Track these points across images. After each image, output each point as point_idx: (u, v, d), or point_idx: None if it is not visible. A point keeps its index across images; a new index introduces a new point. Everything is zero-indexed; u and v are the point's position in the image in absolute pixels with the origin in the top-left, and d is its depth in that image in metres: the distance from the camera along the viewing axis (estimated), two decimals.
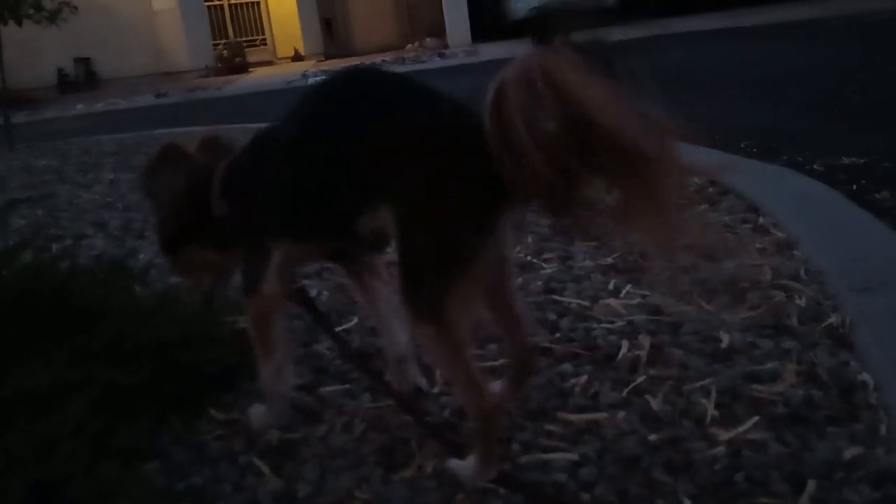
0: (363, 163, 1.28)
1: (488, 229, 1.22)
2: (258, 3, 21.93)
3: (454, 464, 1.39)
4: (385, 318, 1.66)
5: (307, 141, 1.37)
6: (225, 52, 19.13)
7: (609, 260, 2.32)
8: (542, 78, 1.05)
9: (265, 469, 1.46)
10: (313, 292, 2.33)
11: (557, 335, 1.87)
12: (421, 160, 1.22)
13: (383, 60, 13.94)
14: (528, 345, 1.47)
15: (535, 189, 1.11)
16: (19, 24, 7.07)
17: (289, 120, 1.43)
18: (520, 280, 2.24)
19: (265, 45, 21.84)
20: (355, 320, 2.09)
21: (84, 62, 19.20)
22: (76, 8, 7.47)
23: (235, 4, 21.73)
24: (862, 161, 3.31)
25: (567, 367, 1.70)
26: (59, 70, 18.84)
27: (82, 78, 19.15)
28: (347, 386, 1.74)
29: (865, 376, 1.53)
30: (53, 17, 7.21)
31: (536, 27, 1.13)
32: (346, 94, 1.37)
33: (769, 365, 1.61)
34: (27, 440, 1.22)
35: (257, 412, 1.63)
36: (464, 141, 1.18)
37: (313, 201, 1.38)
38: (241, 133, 1.75)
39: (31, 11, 7.10)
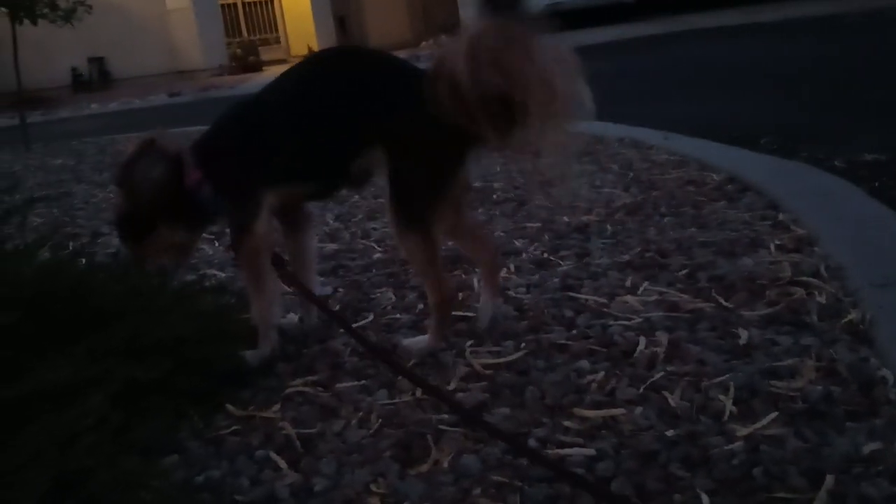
0: (363, 114, 1.68)
1: (460, 161, 1.66)
2: (272, 2, 22.01)
3: (408, 341, 1.85)
4: (308, 264, 2.03)
5: (313, 100, 1.73)
6: (238, 50, 19.21)
7: (626, 257, 2.32)
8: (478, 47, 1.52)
9: (282, 464, 1.47)
10: (328, 289, 2.34)
11: (574, 332, 1.86)
12: (412, 109, 1.61)
13: None
14: (492, 249, 1.96)
15: (470, 124, 1.55)
16: (35, 23, 7.11)
17: (285, 86, 1.80)
18: (536, 277, 2.24)
19: (279, 43, 21.91)
20: (371, 317, 2.10)
21: (98, 62, 19.32)
22: (91, 7, 7.50)
23: (249, 3, 21.81)
24: (884, 157, 3.28)
25: (584, 363, 1.70)
26: (73, 70, 18.97)
27: (96, 77, 19.28)
28: (363, 382, 1.74)
29: (885, 372, 1.52)
30: (68, 17, 7.24)
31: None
32: (343, 60, 1.80)
33: (788, 361, 1.60)
34: (50, 434, 1.23)
35: (251, 352, 1.85)
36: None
37: (322, 148, 1.74)
38: None
39: (47, 11, 7.14)
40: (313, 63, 1.88)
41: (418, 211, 1.67)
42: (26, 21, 7.06)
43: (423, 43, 17.90)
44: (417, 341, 1.86)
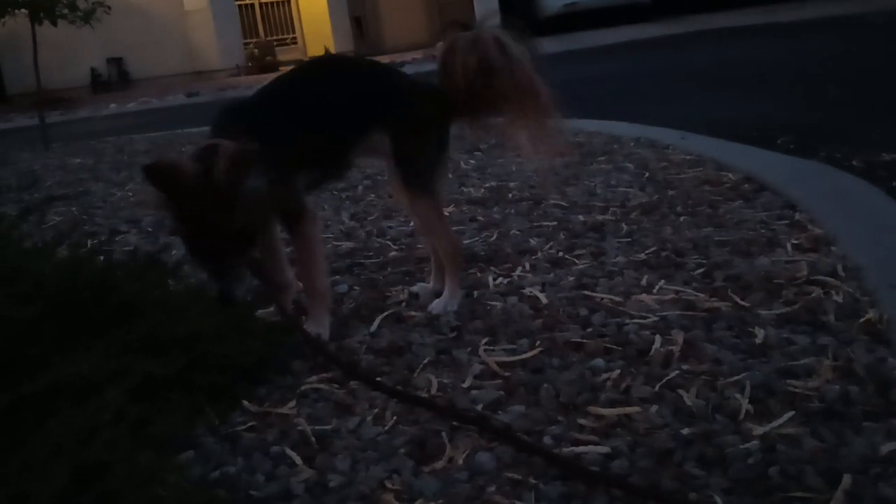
0: (368, 105, 2.01)
1: (447, 140, 2.07)
2: (288, 2, 22.08)
3: (434, 305, 2.08)
4: (279, 255, 2.13)
5: (327, 95, 2.00)
6: (255, 51, 19.31)
7: (642, 256, 2.31)
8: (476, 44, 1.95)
9: (297, 460, 1.47)
10: (343, 287, 2.35)
11: (589, 330, 1.86)
12: (409, 99, 2.03)
13: (414, 58, 13.97)
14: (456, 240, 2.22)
15: (463, 103, 1.98)
16: (54, 24, 7.17)
17: (301, 85, 2.04)
18: (551, 276, 2.24)
19: (295, 43, 21.99)
20: (386, 313, 2.10)
21: (117, 62, 19.46)
22: (110, 8, 7.56)
23: (266, 4, 21.90)
24: None
25: (599, 361, 1.69)
26: (93, 70, 19.11)
27: (115, 78, 19.42)
28: (378, 379, 1.74)
29: None
30: (87, 17, 7.30)
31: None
32: (344, 65, 2.20)
33: (805, 361, 1.59)
34: (69, 428, 1.24)
35: (313, 325, 1.99)
36: (427, 87, 2.07)
37: (334, 133, 2.00)
38: None
39: (66, 11, 7.20)
40: (322, 66, 2.21)
41: (424, 180, 2.01)
42: (46, 22, 7.13)
43: (439, 43, 17.90)
44: (441, 299, 2.10)
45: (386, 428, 1.55)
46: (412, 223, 2.86)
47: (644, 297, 2.01)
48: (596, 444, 1.40)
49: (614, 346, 1.76)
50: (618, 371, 1.64)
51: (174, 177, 1.68)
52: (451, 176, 3.18)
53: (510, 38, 1.95)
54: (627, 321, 1.88)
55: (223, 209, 1.70)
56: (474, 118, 2.05)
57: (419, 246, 2.63)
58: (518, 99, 1.95)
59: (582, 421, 1.48)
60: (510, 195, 3.27)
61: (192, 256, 1.83)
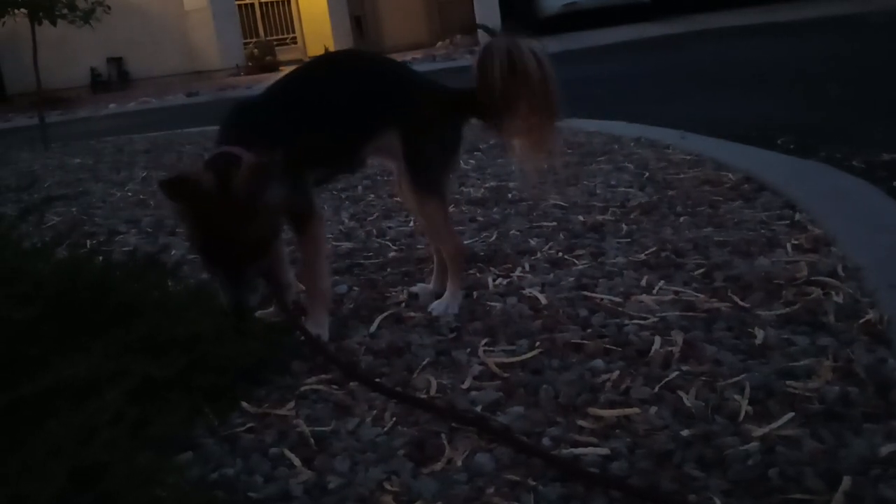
0: (380, 104, 1.99)
1: (460, 137, 2.05)
2: (288, 2, 22.08)
3: (435, 307, 2.07)
4: (281, 255, 2.06)
5: (338, 94, 1.98)
6: (255, 50, 19.30)
7: (642, 256, 2.31)
8: (505, 50, 1.92)
9: (296, 461, 1.47)
10: (343, 288, 2.34)
11: (589, 331, 1.86)
12: (422, 99, 2.01)
13: (414, 58, 13.96)
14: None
15: (491, 105, 1.97)
16: (54, 23, 7.18)
17: (310, 83, 2.02)
18: (551, 276, 2.24)
19: (295, 43, 21.99)
20: (386, 314, 2.10)
21: (116, 62, 19.46)
22: (109, 7, 7.57)
23: (266, 3, 21.89)
24: None
25: (598, 362, 1.69)
26: (92, 70, 19.11)
27: (115, 78, 19.42)
28: (377, 380, 1.74)
29: None
30: (87, 17, 7.31)
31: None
32: (354, 62, 2.10)
33: (805, 362, 1.59)
34: (68, 428, 1.24)
35: (312, 325, 1.96)
36: (439, 87, 2.07)
37: (345, 132, 1.99)
38: None
39: (66, 11, 7.21)
40: (333, 62, 2.19)
41: (434, 181, 2.01)
42: (46, 21, 7.13)
43: (439, 43, 17.90)
44: (442, 300, 2.09)
45: (385, 429, 1.55)
46: (412, 223, 2.86)
47: (644, 297, 2.01)
48: (595, 445, 1.40)
49: (614, 347, 1.76)
50: (617, 372, 1.64)
51: (192, 190, 1.68)
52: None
53: (536, 45, 1.95)
54: (627, 322, 1.88)
55: (243, 220, 1.71)
56: (501, 120, 2.03)
57: (419, 246, 2.63)
58: (537, 102, 1.95)
59: (581, 422, 1.48)
60: (510, 195, 3.27)
61: (207, 267, 1.83)
